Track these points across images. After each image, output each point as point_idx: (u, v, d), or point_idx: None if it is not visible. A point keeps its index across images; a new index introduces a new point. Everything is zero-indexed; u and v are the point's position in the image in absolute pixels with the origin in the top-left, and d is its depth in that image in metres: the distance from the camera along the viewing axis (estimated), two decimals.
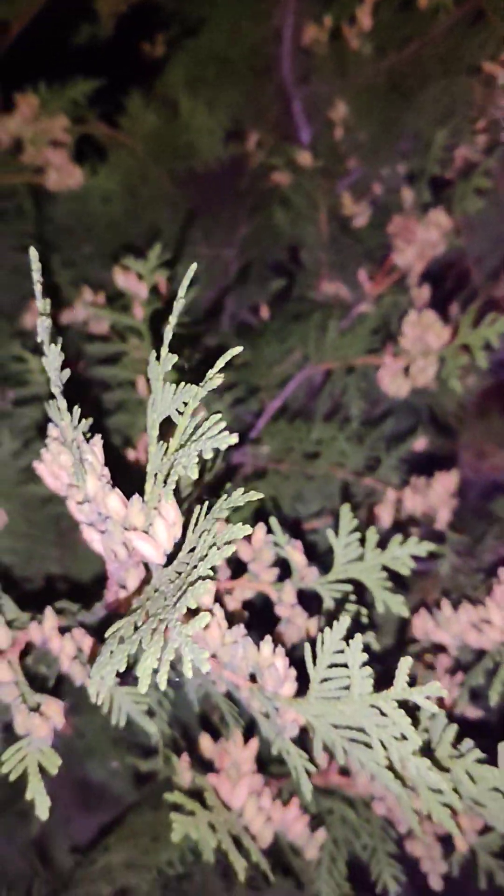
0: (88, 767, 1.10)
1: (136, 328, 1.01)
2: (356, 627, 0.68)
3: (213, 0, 1.33)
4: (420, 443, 0.99)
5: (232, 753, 0.69)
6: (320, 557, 0.96)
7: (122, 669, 0.43)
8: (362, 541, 0.69)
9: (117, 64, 1.50)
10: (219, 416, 0.45)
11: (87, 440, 0.53)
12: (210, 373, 0.45)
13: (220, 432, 0.44)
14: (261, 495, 0.46)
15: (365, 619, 0.69)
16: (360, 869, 0.81)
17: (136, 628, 0.46)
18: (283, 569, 0.71)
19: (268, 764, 0.81)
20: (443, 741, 0.61)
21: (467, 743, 0.60)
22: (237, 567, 0.71)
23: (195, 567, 0.45)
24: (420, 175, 1.07)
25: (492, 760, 0.60)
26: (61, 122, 1.20)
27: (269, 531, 0.70)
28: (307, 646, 0.54)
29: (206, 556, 0.44)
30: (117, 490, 0.52)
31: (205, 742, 0.71)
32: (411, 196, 1.07)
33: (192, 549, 0.49)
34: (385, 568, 0.68)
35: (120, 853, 0.86)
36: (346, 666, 0.52)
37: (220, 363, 0.45)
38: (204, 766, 0.73)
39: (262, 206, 1.29)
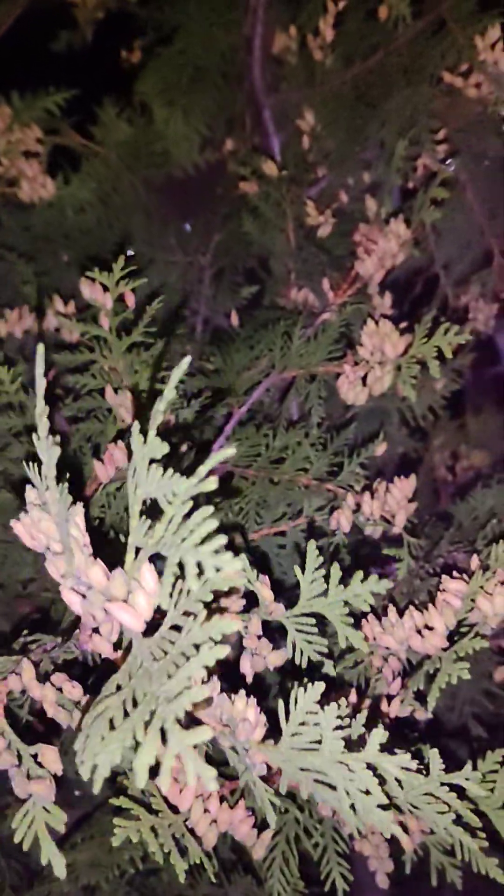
0: (67, 763, 1.13)
1: (103, 337, 1.03)
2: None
3: (186, 8, 1.35)
4: (381, 448, 1.01)
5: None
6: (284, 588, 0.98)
7: (117, 761, 0.45)
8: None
9: (96, 70, 1.52)
10: (213, 524, 0.46)
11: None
12: (201, 469, 0.46)
13: (219, 548, 0.45)
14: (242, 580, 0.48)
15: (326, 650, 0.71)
16: (315, 867, 0.84)
17: (125, 712, 0.48)
18: (249, 599, 0.73)
19: (222, 764, 0.84)
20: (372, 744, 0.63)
21: (399, 752, 0.63)
22: None
23: (188, 660, 0.46)
24: (384, 184, 1.09)
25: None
26: (34, 132, 1.22)
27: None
28: (280, 702, 0.56)
29: (200, 653, 0.46)
30: (99, 562, 0.54)
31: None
32: (375, 205, 1.09)
33: (176, 627, 0.51)
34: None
35: (85, 852, 0.89)
36: (317, 724, 0.54)
37: (211, 463, 0.46)
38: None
39: (234, 214, 1.31)
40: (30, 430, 1.08)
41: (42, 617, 1.08)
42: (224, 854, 0.97)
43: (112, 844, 0.89)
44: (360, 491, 0.98)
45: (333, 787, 0.55)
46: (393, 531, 0.95)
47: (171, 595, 0.52)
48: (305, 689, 0.56)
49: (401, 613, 0.78)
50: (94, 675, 0.75)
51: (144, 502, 0.53)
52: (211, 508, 0.47)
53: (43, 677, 0.65)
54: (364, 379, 0.96)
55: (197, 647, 0.47)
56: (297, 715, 0.56)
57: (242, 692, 0.60)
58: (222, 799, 0.73)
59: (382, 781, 0.62)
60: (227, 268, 1.35)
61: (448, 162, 1.06)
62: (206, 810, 0.69)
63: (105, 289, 1.01)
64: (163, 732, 0.44)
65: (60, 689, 0.65)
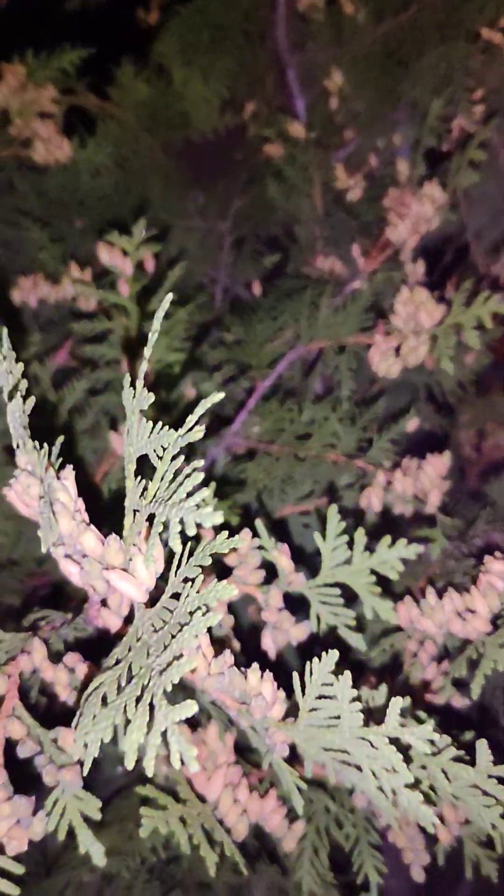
0: None
1: (122, 305, 0.99)
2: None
3: None
4: (413, 423, 0.97)
5: (209, 744, 0.67)
6: (309, 555, 0.94)
7: (107, 739, 0.42)
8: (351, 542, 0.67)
9: (111, 30, 1.46)
10: (198, 479, 0.42)
11: (58, 473, 0.52)
12: (189, 419, 0.43)
13: (202, 502, 0.42)
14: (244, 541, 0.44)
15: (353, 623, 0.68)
16: (344, 858, 0.80)
17: (119, 687, 0.44)
18: (269, 570, 0.69)
19: (248, 751, 0.80)
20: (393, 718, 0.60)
21: (444, 739, 0.59)
22: (223, 568, 0.69)
23: (181, 630, 0.43)
24: (416, 146, 1.03)
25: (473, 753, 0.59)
26: (49, 92, 1.17)
27: (256, 534, 0.68)
28: (295, 675, 0.53)
29: (193, 622, 0.42)
30: (92, 528, 0.50)
31: (183, 732, 0.69)
32: (407, 168, 1.03)
33: (176, 595, 0.47)
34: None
35: (104, 839, 0.86)
36: (334, 697, 0.50)
37: (200, 410, 0.43)
38: None
39: (256, 179, 1.26)
40: (44, 399, 1.04)
41: (55, 593, 1.04)
42: (246, 840, 0.94)
43: (132, 831, 0.86)
44: (390, 468, 0.94)
45: (359, 768, 0.51)
46: (426, 510, 0.91)
47: (171, 561, 0.49)
48: (320, 660, 0.52)
49: (438, 595, 0.74)
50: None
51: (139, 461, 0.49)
52: (201, 462, 0.44)
53: (55, 656, 0.61)
54: (397, 350, 0.92)
55: (192, 614, 0.44)
56: (313, 688, 0.51)
57: (256, 665, 0.56)
58: (252, 788, 0.69)
59: (408, 760, 0.59)
60: (248, 235, 1.30)
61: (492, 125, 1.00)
62: (235, 800, 0.66)
63: (125, 254, 0.97)
64: (152, 708, 0.41)
65: (73, 670, 0.61)
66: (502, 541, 0.86)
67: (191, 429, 0.44)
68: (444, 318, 0.88)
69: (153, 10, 1.48)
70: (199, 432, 0.44)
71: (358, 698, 0.51)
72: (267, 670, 0.56)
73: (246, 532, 0.67)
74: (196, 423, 0.44)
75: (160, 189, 1.27)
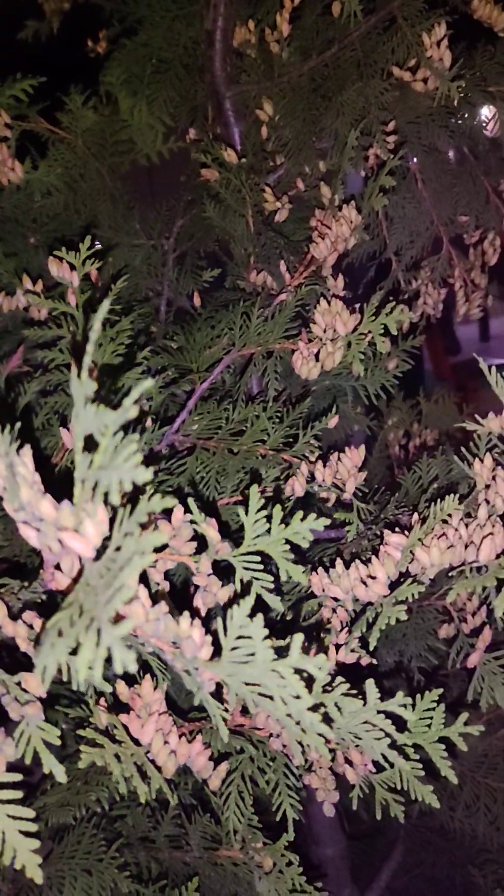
0: None
1: (71, 314, 1.09)
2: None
3: (149, 1, 1.40)
4: (333, 420, 1.08)
5: (143, 696, 0.77)
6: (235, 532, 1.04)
7: (63, 661, 0.50)
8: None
9: (63, 60, 1.56)
10: (133, 447, 0.51)
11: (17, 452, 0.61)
12: (126, 401, 0.51)
13: (136, 464, 0.51)
14: (173, 502, 0.54)
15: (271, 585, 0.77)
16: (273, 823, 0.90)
17: (72, 623, 0.53)
18: (201, 542, 0.79)
19: (187, 711, 0.90)
20: (318, 680, 0.70)
21: (339, 679, 0.69)
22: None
23: (122, 569, 0.52)
24: (336, 172, 1.15)
25: None
26: (3, 118, 1.27)
27: (188, 510, 0.77)
28: (219, 620, 0.62)
29: (131, 562, 0.51)
30: (48, 496, 0.59)
31: (120, 687, 0.79)
32: (329, 192, 1.15)
33: (118, 548, 0.56)
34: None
35: (54, 796, 0.95)
36: (250, 638, 0.60)
37: (134, 395, 0.51)
38: (123, 708, 0.82)
39: (197, 200, 1.37)
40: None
41: (14, 567, 1.13)
42: (186, 800, 1.03)
43: (79, 788, 0.95)
44: (313, 460, 1.05)
45: (272, 698, 0.61)
46: (343, 497, 1.02)
47: (112, 521, 0.58)
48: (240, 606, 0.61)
49: (346, 566, 0.85)
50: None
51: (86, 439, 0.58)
52: (136, 436, 0.52)
53: (16, 615, 0.71)
54: (317, 355, 1.03)
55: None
56: (233, 630, 0.61)
57: (186, 613, 0.65)
58: (180, 735, 0.79)
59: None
60: (190, 251, 1.41)
61: (400, 154, 1.12)
62: (166, 742, 0.75)
63: (72, 268, 1.07)
64: (99, 633, 0.49)
65: (32, 626, 0.71)
66: (408, 522, 0.97)
67: (127, 411, 0.53)
68: (357, 326, 1.00)
69: (101, 41, 1.58)
70: (134, 411, 0.53)
71: (270, 636, 0.61)
72: (196, 618, 0.66)
73: (179, 507, 0.76)
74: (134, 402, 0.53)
75: (107, 209, 1.37)
